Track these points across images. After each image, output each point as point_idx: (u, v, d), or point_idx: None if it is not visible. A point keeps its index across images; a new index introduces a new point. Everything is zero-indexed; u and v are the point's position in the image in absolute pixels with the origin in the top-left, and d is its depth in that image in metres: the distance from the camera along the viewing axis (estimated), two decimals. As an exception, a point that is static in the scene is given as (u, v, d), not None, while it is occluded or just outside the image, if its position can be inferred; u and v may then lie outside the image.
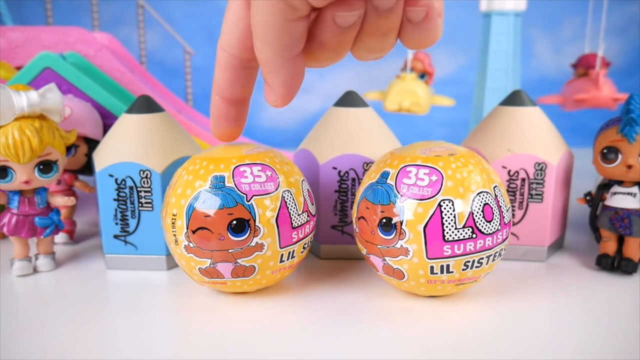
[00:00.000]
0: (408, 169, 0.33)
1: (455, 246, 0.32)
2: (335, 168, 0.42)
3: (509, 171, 0.42)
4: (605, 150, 0.40)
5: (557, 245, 0.46)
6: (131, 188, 0.40)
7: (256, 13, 0.21)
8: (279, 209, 0.34)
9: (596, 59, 0.69)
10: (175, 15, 1.00)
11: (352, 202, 0.43)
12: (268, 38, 0.21)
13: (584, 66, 0.71)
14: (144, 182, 0.40)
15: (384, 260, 0.34)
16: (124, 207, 0.41)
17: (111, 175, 0.40)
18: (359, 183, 0.41)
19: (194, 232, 0.33)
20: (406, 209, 0.32)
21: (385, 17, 0.22)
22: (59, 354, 0.31)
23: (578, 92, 0.67)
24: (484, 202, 0.33)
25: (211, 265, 0.34)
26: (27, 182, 0.39)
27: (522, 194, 0.42)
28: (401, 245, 0.33)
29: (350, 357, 0.30)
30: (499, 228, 0.34)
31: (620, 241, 0.42)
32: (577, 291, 0.39)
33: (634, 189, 0.40)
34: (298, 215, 0.35)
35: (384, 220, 0.33)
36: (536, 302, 0.37)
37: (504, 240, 0.34)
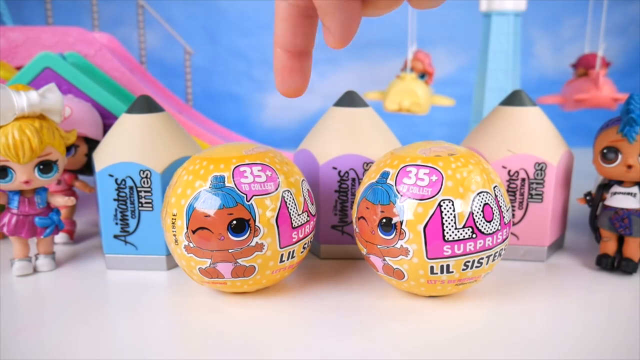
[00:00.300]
0: (408, 169, 0.33)
1: (455, 246, 0.32)
2: (335, 168, 0.42)
3: (509, 171, 0.42)
4: (605, 150, 0.40)
5: (557, 245, 0.46)
6: (131, 188, 0.40)
7: None
8: (279, 209, 0.34)
9: (596, 59, 0.69)
10: (175, 15, 1.00)
11: (352, 202, 0.43)
12: None
13: (584, 66, 0.71)
14: (144, 182, 0.40)
15: (384, 260, 0.34)
16: (124, 207, 0.41)
17: (111, 175, 0.40)
18: (359, 183, 0.41)
19: (194, 232, 0.33)
20: (406, 209, 0.33)
21: None
22: (59, 354, 0.31)
23: (578, 92, 0.67)
24: (484, 202, 0.33)
25: (211, 265, 0.34)
26: (27, 182, 0.39)
27: (522, 194, 0.42)
28: (401, 245, 0.33)
29: (350, 357, 0.30)
30: (499, 228, 0.34)
31: (620, 241, 0.42)
32: (577, 291, 0.39)
33: (634, 189, 0.40)
34: (298, 215, 0.35)
35: (384, 220, 0.33)
36: (536, 302, 0.37)
37: (504, 240, 0.34)
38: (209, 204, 0.33)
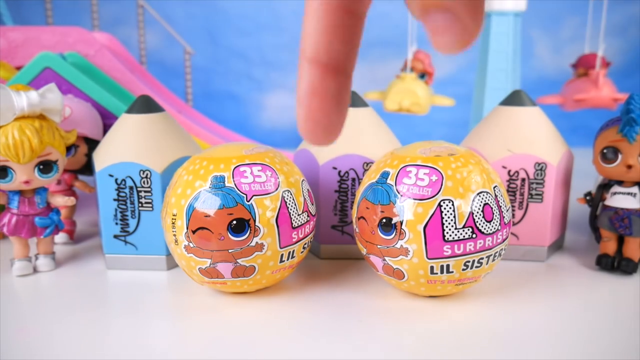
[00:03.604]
0: (408, 169, 0.33)
1: (455, 246, 0.32)
2: (335, 168, 0.42)
3: (509, 171, 0.42)
4: (605, 150, 0.40)
5: (557, 246, 0.46)
6: (131, 188, 0.40)
7: None
8: (279, 209, 0.34)
9: (596, 59, 0.69)
10: (175, 15, 1.00)
11: (352, 202, 0.43)
12: None
13: (584, 66, 0.71)
14: (144, 182, 0.40)
15: (384, 260, 0.34)
16: (124, 207, 0.41)
17: (111, 175, 0.40)
18: (359, 183, 0.41)
19: (194, 232, 0.33)
20: (406, 209, 0.32)
21: None
22: (59, 354, 0.31)
23: (578, 92, 0.67)
24: (484, 202, 0.33)
25: (211, 265, 0.34)
26: (27, 182, 0.39)
27: (522, 194, 0.42)
28: (401, 245, 0.33)
29: (350, 357, 0.30)
30: (499, 228, 0.34)
31: (620, 241, 0.42)
32: (577, 291, 0.39)
33: (634, 189, 0.40)
34: (298, 215, 0.35)
35: (384, 220, 0.33)
36: (536, 302, 0.37)
37: (504, 240, 0.34)
38: (209, 204, 0.33)
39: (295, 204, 0.35)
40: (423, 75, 0.73)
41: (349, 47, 0.17)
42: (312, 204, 0.37)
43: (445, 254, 0.33)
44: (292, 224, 0.35)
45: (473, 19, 0.14)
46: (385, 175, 0.34)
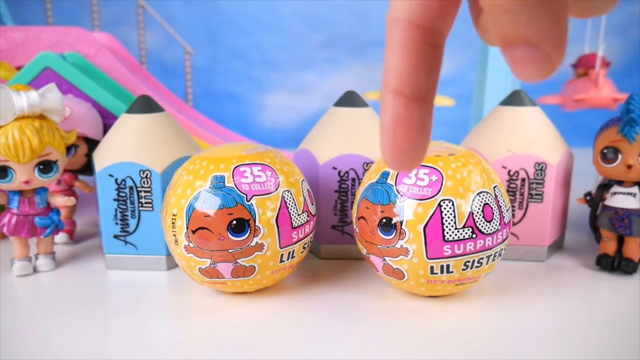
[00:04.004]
0: (408, 169, 0.33)
1: (455, 246, 0.32)
2: (335, 168, 0.42)
3: (509, 171, 0.42)
4: (605, 150, 0.40)
5: (557, 246, 0.46)
6: (131, 188, 0.40)
7: None
8: (279, 209, 0.34)
9: (596, 59, 0.69)
10: (175, 15, 1.00)
11: (352, 202, 0.43)
12: None
13: (584, 66, 0.71)
14: (144, 182, 0.40)
15: (384, 260, 0.34)
16: (124, 207, 0.41)
17: (111, 175, 0.40)
18: (359, 183, 0.41)
19: (194, 232, 0.33)
20: (406, 209, 0.32)
21: None
22: (59, 354, 0.30)
23: (578, 92, 0.67)
24: (484, 202, 0.33)
25: (211, 265, 0.34)
26: (27, 182, 0.39)
27: (522, 194, 0.42)
28: (401, 245, 0.33)
29: (350, 357, 0.30)
30: (499, 228, 0.34)
31: (620, 241, 0.42)
32: (577, 291, 0.39)
33: (634, 189, 0.40)
34: (298, 215, 0.35)
35: (384, 220, 0.33)
36: (536, 302, 0.37)
37: (504, 240, 0.34)
38: (209, 204, 0.33)
39: (295, 204, 0.35)
40: (423, 75, 0.73)
41: (431, 78, 0.18)
42: (312, 204, 0.37)
43: (445, 254, 0.33)
44: (292, 224, 0.35)
45: (557, 49, 0.14)
46: (385, 175, 0.34)
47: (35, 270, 0.42)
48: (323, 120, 0.45)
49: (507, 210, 0.35)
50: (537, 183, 0.42)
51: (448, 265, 0.33)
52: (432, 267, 0.33)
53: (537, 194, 0.42)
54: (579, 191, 0.46)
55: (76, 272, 0.42)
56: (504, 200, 0.35)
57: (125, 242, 0.42)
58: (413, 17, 0.17)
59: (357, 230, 0.36)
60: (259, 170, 0.34)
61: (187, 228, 0.33)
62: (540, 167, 0.42)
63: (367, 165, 0.42)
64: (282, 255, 0.35)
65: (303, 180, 0.37)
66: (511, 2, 0.14)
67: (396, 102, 0.18)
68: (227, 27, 1.03)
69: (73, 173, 0.49)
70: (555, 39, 0.14)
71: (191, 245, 0.34)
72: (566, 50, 0.15)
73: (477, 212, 0.33)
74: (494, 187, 0.34)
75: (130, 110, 0.42)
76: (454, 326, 0.34)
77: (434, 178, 0.33)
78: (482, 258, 0.33)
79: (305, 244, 0.37)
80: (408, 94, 0.17)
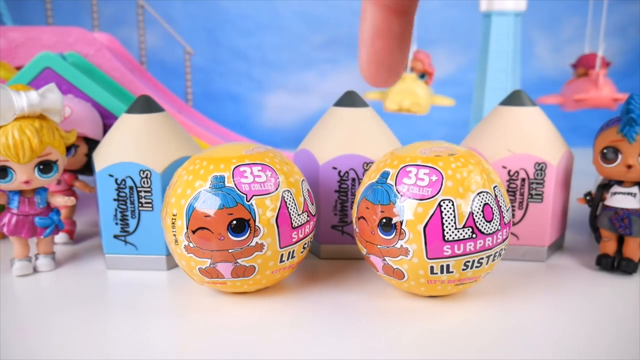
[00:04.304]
0: (408, 169, 0.33)
1: (455, 246, 0.32)
2: (335, 168, 0.42)
3: (509, 171, 0.42)
4: (605, 150, 0.40)
5: (557, 246, 0.46)
6: (131, 188, 0.40)
7: None
8: (279, 209, 0.34)
9: (596, 59, 0.69)
10: (175, 15, 1.00)
11: (352, 202, 0.43)
12: None
13: (584, 66, 0.71)
14: (144, 182, 0.40)
15: (384, 260, 0.34)
16: (124, 207, 0.41)
17: (111, 175, 0.40)
18: (359, 183, 0.41)
19: (194, 232, 0.33)
20: (406, 209, 0.32)
21: None
22: (59, 354, 0.31)
23: (578, 92, 0.67)
24: (484, 202, 0.33)
25: (211, 265, 0.34)
26: (27, 182, 0.39)
27: (522, 194, 0.42)
28: (401, 245, 0.33)
29: (350, 357, 0.30)
30: (499, 228, 0.34)
31: (620, 241, 0.42)
32: (577, 291, 0.39)
33: (634, 189, 0.40)
34: (298, 215, 0.35)
35: (384, 220, 0.33)
36: (536, 302, 0.37)
37: (504, 240, 0.34)
38: (209, 204, 0.33)
39: (295, 204, 0.35)
40: (423, 75, 0.73)
41: None
42: (312, 204, 0.38)
43: (445, 254, 0.33)
44: (292, 224, 0.35)
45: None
46: (385, 175, 0.34)
47: (35, 270, 0.42)
48: (323, 120, 0.45)
49: (507, 210, 0.35)
50: (537, 183, 0.42)
51: (448, 265, 0.33)
52: (432, 267, 0.33)
53: (537, 194, 0.42)
54: (579, 191, 0.46)
55: (76, 272, 0.42)
56: (504, 200, 0.35)
57: (125, 242, 0.42)
58: None
59: (357, 230, 0.36)
60: (259, 170, 0.34)
61: (187, 228, 0.33)
62: (540, 167, 0.42)
63: (367, 165, 0.42)
64: (282, 255, 0.35)
65: (303, 180, 0.37)
66: None
67: (376, 12, 0.17)
68: (227, 27, 1.03)
69: (73, 173, 0.49)
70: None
71: (191, 245, 0.34)
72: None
73: (477, 212, 0.33)
74: (494, 187, 0.34)
75: (130, 110, 0.42)
76: (454, 326, 0.34)
77: (434, 178, 0.33)
78: (482, 258, 0.33)
79: (305, 244, 0.37)
80: (388, 3, 0.17)
